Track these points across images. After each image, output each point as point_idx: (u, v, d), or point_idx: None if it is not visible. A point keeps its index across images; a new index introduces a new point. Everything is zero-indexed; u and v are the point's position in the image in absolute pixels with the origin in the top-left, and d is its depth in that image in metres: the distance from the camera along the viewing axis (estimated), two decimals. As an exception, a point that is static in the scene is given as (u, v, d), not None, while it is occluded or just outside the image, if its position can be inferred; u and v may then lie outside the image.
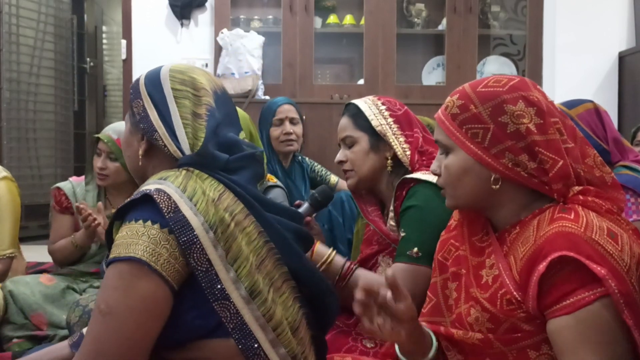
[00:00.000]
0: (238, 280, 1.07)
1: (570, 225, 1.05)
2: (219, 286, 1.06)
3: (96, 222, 2.27)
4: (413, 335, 1.12)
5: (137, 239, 1.04)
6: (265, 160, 2.94)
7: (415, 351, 1.19)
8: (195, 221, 1.06)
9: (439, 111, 1.21)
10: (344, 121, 1.79)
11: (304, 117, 3.29)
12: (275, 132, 3.04)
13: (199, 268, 1.05)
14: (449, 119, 1.17)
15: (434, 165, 1.24)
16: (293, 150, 3.10)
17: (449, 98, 1.19)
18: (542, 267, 1.03)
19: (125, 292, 1.03)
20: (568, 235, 1.03)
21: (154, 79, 1.21)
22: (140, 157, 1.20)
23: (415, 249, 1.57)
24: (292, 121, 3.07)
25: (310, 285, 1.18)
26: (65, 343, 1.38)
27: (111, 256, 1.06)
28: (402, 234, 1.62)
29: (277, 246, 1.14)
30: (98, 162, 2.41)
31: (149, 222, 1.05)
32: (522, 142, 1.11)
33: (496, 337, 1.12)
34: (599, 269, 0.99)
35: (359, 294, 1.08)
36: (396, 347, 1.24)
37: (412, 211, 1.61)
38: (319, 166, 3.28)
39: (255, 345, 1.07)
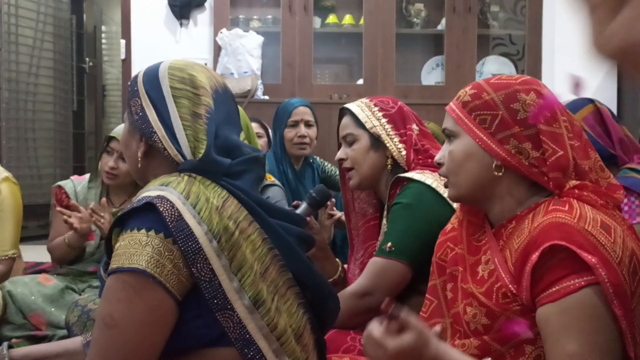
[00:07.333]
0: (242, 290, 1.05)
1: (563, 216, 1.06)
2: (222, 296, 1.04)
3: (98, 219, 2.28)
4: None
5: (140, 249, 1.01)
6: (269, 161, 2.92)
7: None
8: (198, 230, 1.03)
9: (451, 102, 1.24)
10: (346, 120, 1.81)
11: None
12: (289, 134, 3.00)
13: (203, 278, 1.03)
14: (459, 107, 1.20)
15: (438, 155, 1.26)
16: (305, 154, 3.07)
17: (461, 90, 1.22)
18: (534, 256, 1.04)
19: (130, 305, 1.01)
20: (561, 225, 1.05)
21: (152, 76, 1.17)
22: (139, 159, 1.16)
23: (389, 244, 1.60)
24: (307, 124, 3.03)
25: (313, 290, 1.17)
26: (78, 339, 1.37)
27: (113, 266, 1.03)
28: (385, 229, 1.66)
29: (281, 252, 1.12)
30: (110, 162, 2.39)
31: (152, 232, 1.02)
32: (528, 130, 1.14)
33: (492, 336, 1.12)
34: (589, 257, 1.00)
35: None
36: None
37: (398, 207, 1.64)
38: (329, 165, 3.24)
39: (258, 356, 1.06)
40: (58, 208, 2.34)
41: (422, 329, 1.07)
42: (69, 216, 2.29)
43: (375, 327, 1.08)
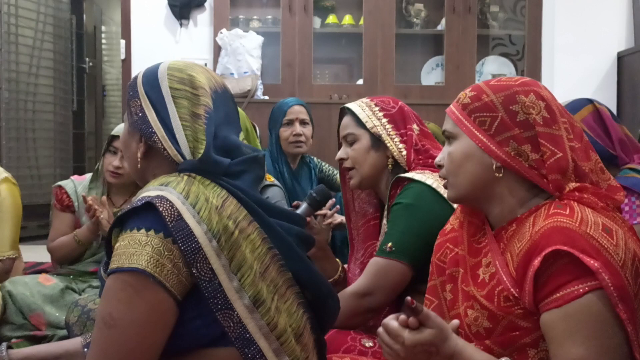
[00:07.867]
0: (242, 290, 1.06)
1: (565, 220, 1.06)
2: (222, 296, 1.04)
3: (99, 213, 2.28)
4: None
5: (140, 248, 1.02)
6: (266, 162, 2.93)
7: None
8: (198, 230, 1.03)
9: (451, 104, 1.24)
10: (346, 120, 1.81)
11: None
12: (284, 133, 3.02)
13: (203, 278, 1.03)
14: (459, 109, 1.20)
15: (438, 157, 1.26)
16: (302, 152, 3.08)
17: (461, 92, 1.23)
18: (537, 261, 1.04)
19: (129, 305, 1.02)
20: (563, 229, 1.04)
21: (151, 77, 1.18)
22: (139, 159, 1.17)
23: (390, 244, 1.61)
24: (302, 122, 3.05)
25: (313, 289, 1.18)
26: (78, 340, 1.38)
27: (113, 266, 1.04)
28: (386, 229, 1.66)
29: (281, 251, 1.12)
30: (114, 161, 2.40)
31: (152, 231, 1.03)
32: (528, 131, 1.14)
33: (494, 340, 1.12)
34: (592, 262, 1.00)
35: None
36: None
37: (398, 208, 1.65)
38: (327, 165, 3.26)
39: (258, 355, 1.06)
40: (90, 200, 2.32)
41: (443, 325, 1.08)
42: (99, 209, 2.29)
43: (393, 320, 1.08)
